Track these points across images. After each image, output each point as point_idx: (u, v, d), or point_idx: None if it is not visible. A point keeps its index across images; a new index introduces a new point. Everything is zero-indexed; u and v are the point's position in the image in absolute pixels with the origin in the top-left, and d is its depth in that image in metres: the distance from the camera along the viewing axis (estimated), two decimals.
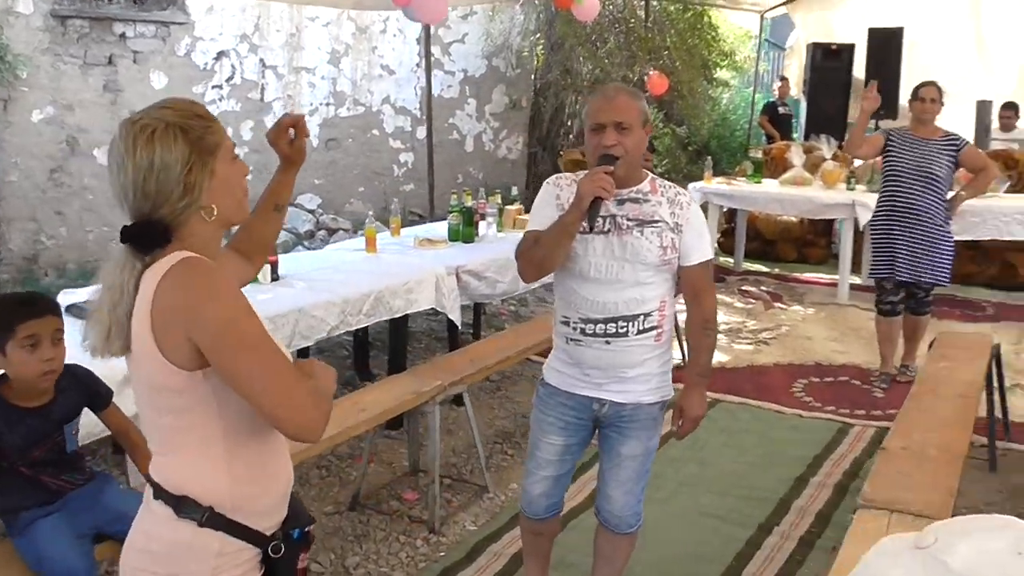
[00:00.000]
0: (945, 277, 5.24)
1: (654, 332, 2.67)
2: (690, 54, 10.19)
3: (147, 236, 1.59)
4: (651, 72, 9.06)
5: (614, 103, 2.62)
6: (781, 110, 11.00)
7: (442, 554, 3.51)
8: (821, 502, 3.93)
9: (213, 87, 8.33)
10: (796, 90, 11.25)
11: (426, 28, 6.79)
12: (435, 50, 9.65)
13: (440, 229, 5.72)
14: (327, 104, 9.05)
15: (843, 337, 6.24)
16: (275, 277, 4.35)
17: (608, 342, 2.65)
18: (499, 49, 9.85)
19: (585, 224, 2.57)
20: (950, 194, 5.26)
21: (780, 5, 11.32)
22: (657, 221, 2.62)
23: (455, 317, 4.88)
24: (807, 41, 11.26)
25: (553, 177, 2.86)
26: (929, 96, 5.14)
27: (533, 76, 10.07)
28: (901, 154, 5.19)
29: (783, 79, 11.25)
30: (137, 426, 2.70)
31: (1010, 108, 9.41)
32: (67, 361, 2.50)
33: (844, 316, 6.74)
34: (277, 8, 8.57)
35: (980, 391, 3.83)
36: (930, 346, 4.37)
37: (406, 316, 4.63)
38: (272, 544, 1.69)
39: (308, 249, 7.87)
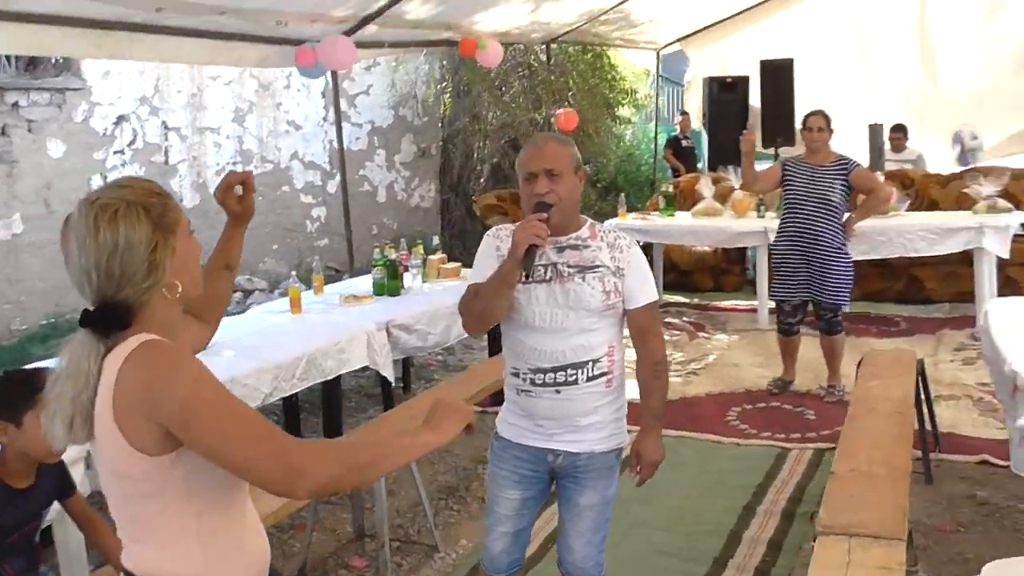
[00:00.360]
0: (845, 297, 5.45)
1: (604, 379, 2.66)
2: (592, 94, 10.37)
3: (110, 319, 1.57)
4: (558, 111, 9.18)
5: (544, 151, 2.63)
6: (684, 143, 11.26)
7: None
8: (771, 530, 3.95)
9: (114, 152, 8.12)
10: (697, 123, 11.52)
11: (334, 77, 6.74)
12: (341, 103, 9.61)
13: (363, 284, 5.65)
14: (234, 163, 8.90)
15: (768, 362, 6.34)
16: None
17: (558, 391, 2.63)
18: (405, 99, 9.85)
19: (522, 273, 2.56)
20: (847, 216, 5.44)
21: (675, 42, 11.62)
22: (598, 266, 2.62)
23: (388, 374, 4.80)
24: (703, 75, 11.59)
25: (494, 228, 2.84)
26: (816, 125, 5.35)
27: (441, 124, 10.08)
28: (797, 182, 5.39)
29: (684, 113, 11.53)
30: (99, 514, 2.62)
31: (899, 130, 9.82)
32: None
33: (766, 341, 6.86)
34: (177, 69, 8.42)
35: (912, 406, 3.93)
36: (859, 365, 4.47)
37: (339, 377, 4.53)
38: None
39: (227, 314, 7.67)
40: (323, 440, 1.60)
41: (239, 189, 1.93)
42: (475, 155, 10.26)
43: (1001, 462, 4.32)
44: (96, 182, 7.78)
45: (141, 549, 1.63)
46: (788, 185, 5.46)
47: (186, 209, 8.30)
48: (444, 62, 9.77)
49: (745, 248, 8.45)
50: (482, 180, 10.34)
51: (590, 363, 2.62)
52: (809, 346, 5.96)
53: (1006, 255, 6.46)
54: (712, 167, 10.95)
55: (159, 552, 1.61)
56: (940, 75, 10.53)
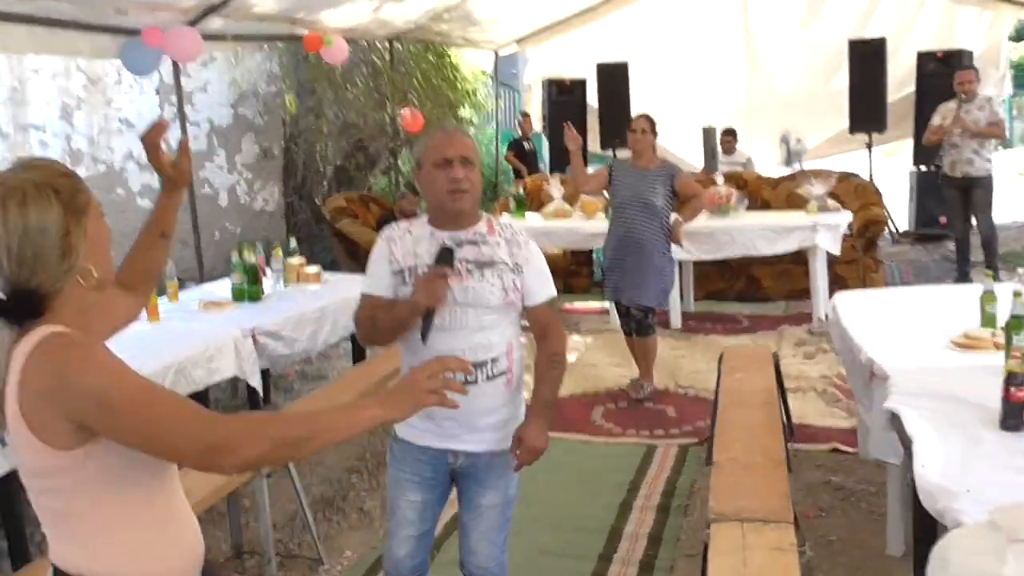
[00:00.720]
0: (654, 299, 5.54)
1: (503, 377, 2.66)
2: (436, 94, 10.35)
3: (22, 308, 1.53)
4: (404, 111, 9.12)
5: (456, 138, 2.63)
6: (526, 145, 11.42)
7: None
8: (649, 524, 4.08)
9: None
10: (538, 125, 11.72)
11: (176, 71, 6.44)
12: (176, 100, 9.19)
13: (220, 290, 5.43)
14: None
15: (625, 361, 6.50)
16: None
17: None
18: (244, 96, 9.51)
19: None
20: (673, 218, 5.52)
21: (513, 42, 11.79)
22: (496, 262, 2.62)
23: (256, 383, 4.62)
24: (542, 78, 11.81)
25: (385, 230, 2.80)
26: (640, 127, 5.47)
27: (283, 123, 9.81)
28: (621, 184, 5.51)
29: (525, 115, 11.69)
30: None
31: (729, 134, 10.34)
32: None
33: (620, 341, 7.03)
34: None
35: (777, 397, 4.14)
36: (720, 361, 4.66)
37: (207, 389, 4.33)
38: None
39: None
40: (252, 414, 1.57)
41: (166, 149, 1.90)
42: (318, 156, 10.04)
43: (850, 449, 4.63)
44: None
45: (65, 546, 1.60)
46: (614, 186, 5.57)
47: None
48: (283, 59, 9.48)
49: (591, 250, 8.64)
50: (325, 182, 10.13)
51: (489, 361, 2.62)
52: (662, 344, 6.15)
53: (838, 252, 6.91)
54: (552, 169, 11.18)
55: (82, 550, 1.58)
56: (764, 80, 11.19)
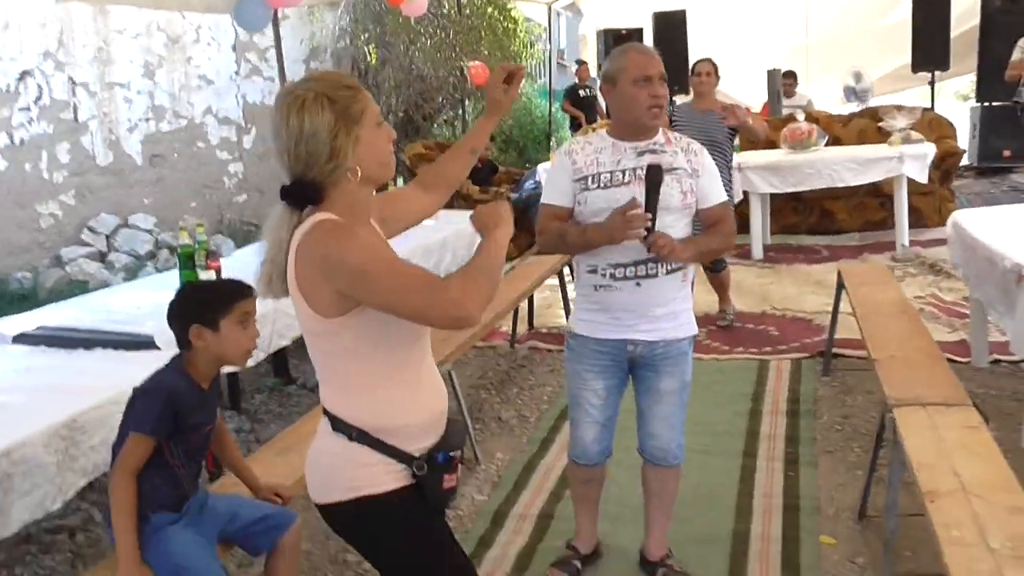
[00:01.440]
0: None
1: (680, 272, 2.84)
2: (501, 46, 10.48)
3: (300, 195, 1.80)
4: (472, 64, 9.26)
5: (655, 58, 2.79)
6: (582, 93, 11.53)
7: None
8: (782, 427, 4.28)
9: (20, 110, 7.66)
10: (595, 73, 11.83)
11: (275, 25, 6.62)
12: (252, 57, 9.40)
13: None
14: (147, 119, 8.56)
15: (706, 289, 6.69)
16: None
17: (639, 284, 2.78)
18: (316, 52, 9.70)
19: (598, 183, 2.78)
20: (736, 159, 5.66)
21: None
22: (676, 168, 2.79)
23: None
24: (596, 28, 11.91)
25: (565, 145, 2.99)
26: (704, 70, 5.65)
27: (358, 75, 9.98)
28: (686, 126, 5.54)
29: (582, 63, 11.80)
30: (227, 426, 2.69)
31: (790, 76, 10.43)
32: None
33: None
34: (80, 21, 8.01)
35: (911, 305, 4.32)
36: (839, 277, 4.81)
37: None
38: (416, 463, 1.89)
39: (159, 271, 7.47)
40: (457, 276, 1.78)
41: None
42: (384, 107, 10.21)
43: (961, 359, 4.81)
44: (2, 140, 7.38)
45: (327, 388, 1.91)
46: (678, 128, 5.70)
47: (99, 168, 8.00)
48: (358, 14, 9.64)
49: None
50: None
51: None
52: (749, 273, 6.33)
53: (925, 180, 7.07)
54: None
55: (337, 392, 1.89)
56: (823, 20, 11.23)
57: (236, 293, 2.44)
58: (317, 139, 1.75)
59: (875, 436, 3.32)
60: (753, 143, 6.51)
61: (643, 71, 2.74)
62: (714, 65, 5.66)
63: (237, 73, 9.21)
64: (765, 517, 3.47)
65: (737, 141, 5.96)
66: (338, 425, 1.88)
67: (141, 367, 3.22)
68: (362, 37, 9.57)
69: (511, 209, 1.94)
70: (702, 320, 5.93)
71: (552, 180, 2.92)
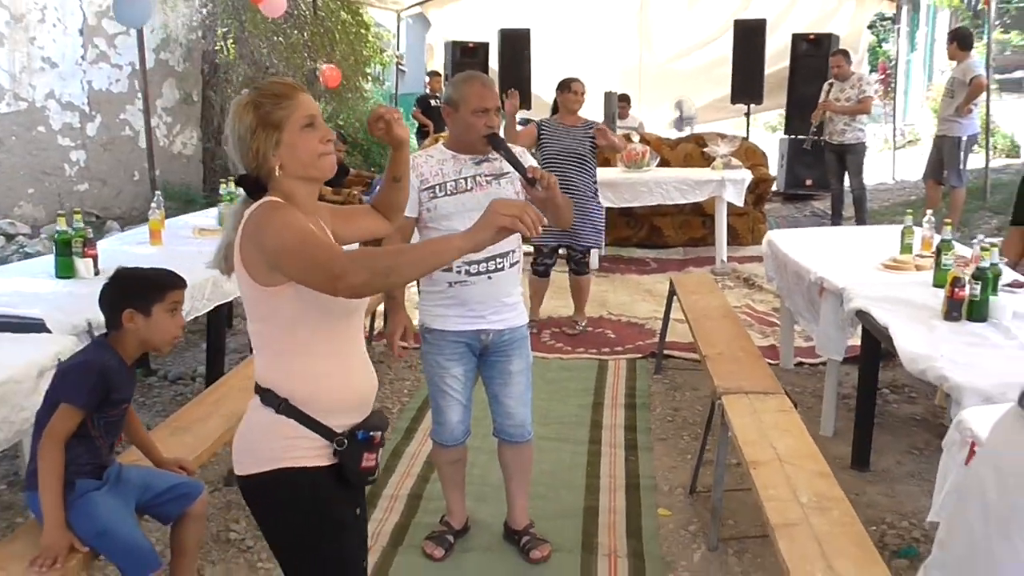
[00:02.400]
0: (596, 241, 6.28)
1: (518, 265, 3.30)
2: (352, 50, 10.70)
3: (247, 185, 2.05)
4: (324, 66, 9.48)
5: (493, 92, 3.19)
6: (434, 102, 11.87)
7: None
8: (622, 418, 4.80)
9: None
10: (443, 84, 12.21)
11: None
12: (100, 42, 9.23)
13: (203, 219, 5.81)
14: None
15: (557, 294, 7.17)
16: (97, 271, 4.30)
17: (490, 277, 3.19)
18: (166, 43, 9.62)
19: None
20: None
21: (416, 5, 12.22)
22: (507, 172, 3.21)
23: None
24: (444, 39, 12.29)
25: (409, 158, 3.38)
26: (580, 89, 6.14)
27: (202, 71, 9.96)
28: (553, 140, 6.11)
29: (434, 74, 12.15)
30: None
31: (624, 99, 11.15)
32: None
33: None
34: None
35: (732, 310, 4.97)
36: (671, 285, 5.41)
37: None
38: (337, 439, 2.05)
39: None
40: (360, 249, 2.06)
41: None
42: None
43: (772, 361, 5.49)
44: None
45: (259, 360, 2.08)
46: (545, 143, 6.14)
47: None
48: (216, 8, 9.64)
49: None
50: None
51: (510, 253, 3.22)
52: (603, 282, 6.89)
53: (741, 203, 7.88)
54: None
55: (267, 364, 2.06)
56: (655, 51, 12.08)
57: (170, 283, 2.68)
58: (243, 140, 2.00)
59: (705, 423, 3.87)
60: (607, 159, 6.99)
61: (482, 103, 3.14)
62: (583, 85, 6.15)
63: (83, 58, 9.03)
64: (611, 494, 3.96)
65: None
66: (267, 398, 2.03)
67: (33, 347, 3.40)
68: (220, 32, 9.57)
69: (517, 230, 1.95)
70: (547, 323, 6.51)
71: None
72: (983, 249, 3.60)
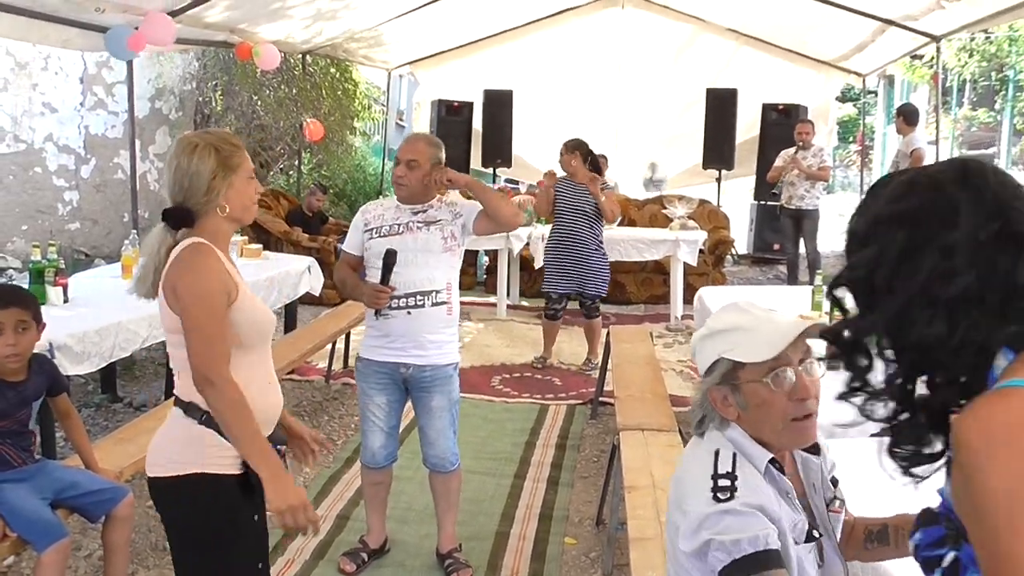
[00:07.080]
0: (603, 288, 6.80)
1: (444, 307, 3.57)
2: (340, 106, 11.19)
3: (176, 217, 2.28)
4: (309, 120, 9.95)
5: (410, 145, 3.61)
6: None
7: None
8: (550, 456, 5.14)
9: None
10: None
11: (128, 66, 7.08)
12: (99, 90, 9.71)
13: None
14: None
15: (514, 343, 7.60)
16: (66, 299, 4.67)
17: (410, 312, 3.51)
18: (162, 92, 10.11)
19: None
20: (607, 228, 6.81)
21: (405, 64, 12.74)
22: (439, 220, 3.57)
23: None
24: (431, 99, 12.78)
25: (364, 206, 3.81)
26: (563, 152, 6.77)
27: (195, 121, 10.44)
28: (565, 198, 6.72)
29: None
30: (78, 414, 3.23)
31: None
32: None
33: (509, 328, 8.16)
34: None
35: (655, 358, 5.31)
36: (608, 335, 5.78)
37: None
38: None
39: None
40: (238, 393, 2.24)
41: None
42: None
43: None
44: None
45: (180, 379, 2.30)
46: (559, 200, 6.77)
47: None
48: (208, 62, 10.15)
49: (476, 251, 9.70)
50: None
51: (433, 293, 3.53)
52: (541, 333, 7.27)
53: (695, 263, 8.27)
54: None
55: (188, 382, 2.25)
56: (632, 115, 12.51)
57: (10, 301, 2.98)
58: (200, 177, 2.23)
59: (609, 454, 4.20)
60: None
61: (402, 156, 3.56)
62: (579, 146, 6.72)
63: (82, 104, 9.50)
64: (524, 523, 4.28)
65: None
66: (189, 411, 2.26)
67: None
68: (210, 84, 10.07)
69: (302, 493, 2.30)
70: (498, 368, 6.86)
71: (351, 233, 3.71)
72: None
